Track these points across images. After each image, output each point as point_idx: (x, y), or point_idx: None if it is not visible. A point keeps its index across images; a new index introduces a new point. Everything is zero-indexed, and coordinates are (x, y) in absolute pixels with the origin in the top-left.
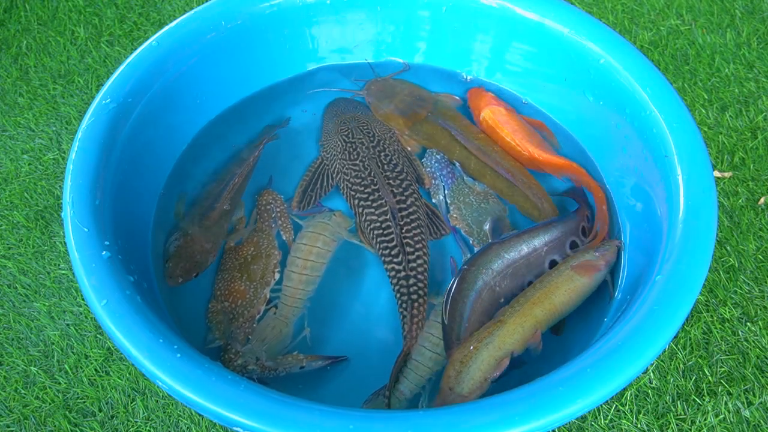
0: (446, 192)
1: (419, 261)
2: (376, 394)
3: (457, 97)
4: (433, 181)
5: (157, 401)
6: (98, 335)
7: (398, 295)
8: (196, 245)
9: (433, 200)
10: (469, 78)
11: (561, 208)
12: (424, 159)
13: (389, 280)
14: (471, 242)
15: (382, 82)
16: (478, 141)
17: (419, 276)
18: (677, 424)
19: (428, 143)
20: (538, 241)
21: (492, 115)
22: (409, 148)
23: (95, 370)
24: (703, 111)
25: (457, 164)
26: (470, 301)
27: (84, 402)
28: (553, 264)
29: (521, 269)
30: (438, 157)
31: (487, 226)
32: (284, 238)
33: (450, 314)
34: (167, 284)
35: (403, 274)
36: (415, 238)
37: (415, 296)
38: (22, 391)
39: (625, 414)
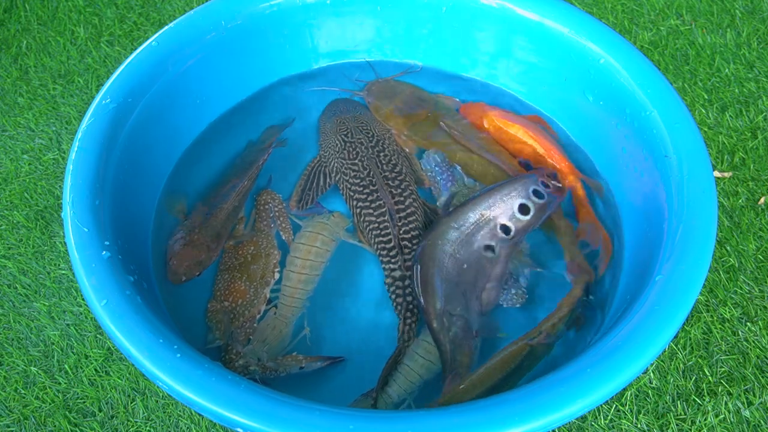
0: (447, 194)
1: None
2: (364, 395)
3: (458, 99)
4: (435, 184)
5: (157, 401)
6: (98, 335)
7: (393, 296)
8: (201, 244)
9: (437, 203)
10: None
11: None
12: (423, 161)
13: (385, 280)
14: None
15: (382, 82)
16: (479, 141)
17: None
18: (677, 424)
19: (428, 144)
20: (483, 206)
21: (498, 116)
22: (407, 149)
23: (95, 370)
24: (703, 111)
25: (458, 167)
26: (437, 272)
27: (84, 402)
28: (503, 227)
29: (474, 235)
30: (437, 159)
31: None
32: (284, 238)
33: (423, 290)
34: (169, 282)
35: (399, 274)
36: (413, 240)
37: (410, 297)
38: (22, 391)
39: (625, 414)
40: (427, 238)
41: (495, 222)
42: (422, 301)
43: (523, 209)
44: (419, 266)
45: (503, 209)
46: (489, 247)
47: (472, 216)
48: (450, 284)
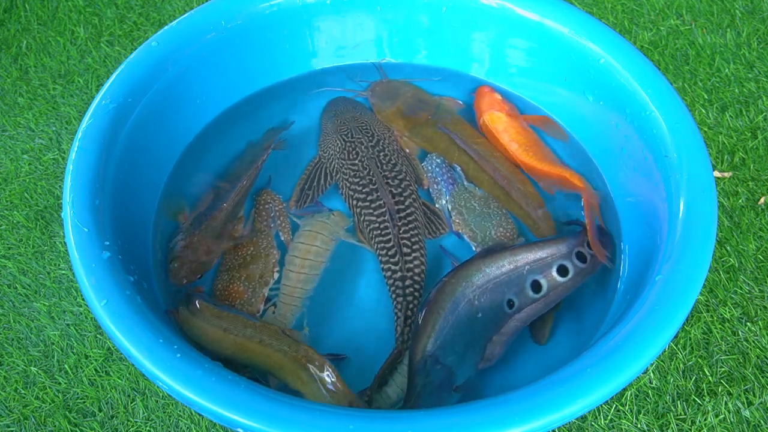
0: (447, 197)
1: (416, 262)
2: (360, 394)
3: (460, 101)
4: (435, 186)
5: (157, 401)
6: (98, 335)
7: (393, 296)
8: (202, 246)
9: (436, 205)
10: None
11: (557, 220)
12: (425, 163)
13: (386, 280)
14: (474, 248)
15: (386, 83)
16: (477, 146)
17: (415, 277)
18: (677, 424)
19: (428, 146)
20: (521, 259)
21: (491, 121)
22: (407, 150)
23: (95, 370)
24: (703, 111)
25: (458, 168)
26: (446, 313)
27: (84, 402)
28: (534, 284)
29: (501, 286)
30: (438, 161)
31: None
32: (282, 238)
33: (422, 326)
34: (171, 284)
35: (399, 275)
36: (413, 239)
37: (410, 297)
38: (22, 391)
39: (625, 414)
40: (451, 275)
41: (527, 277)
42: (415, 336)
43: (562, 270)
44: (431, 300)
45: (540, 266)
46: (510, 303)
47: (506, 265)
48: (455, 331)
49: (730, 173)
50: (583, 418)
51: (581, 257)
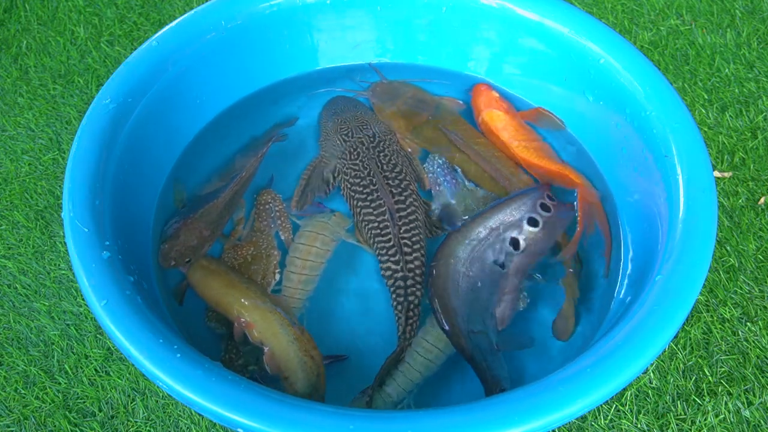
0: (445, 198)
1: (417, 262)
2: (362, 393)
3: (461, 102)
4: (436, 187)
5: (157, 401)
6: (98, 335)
7: (394, 296)
8: (194, 230)
9: (434, 206)
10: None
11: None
12: (426, 163)
13: (386, 280)
14: None
15: (386, 84)
16: (478, 146)
17: (416, 278)
18: (677, 424)
19: (429, 147)
20: (494, 221)
21: (490, 119)
22: (409, 150)
23: (95, 370)
24: (703, 111)
25: (459, 169)
26: (453, 293)
27: (84, 402)
28: (513, 241)
29: (485, 251)
30: (440, 161)
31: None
32: (283, 238)
33: (445, 315)
34: (160, 266)
35: (400, 274)
36: (413, 239)
37: (411, 297)
38: (22, 391)
39: (625, 414)
40: (437, 258)
41: (504, 236)
42: (446, 326)
43: (532, 222)
44: (434, 289)
45: (512, 223)
46: (499, 263)
47: (482, 231)
48: (466, 303)
49: (730, 173)
50: (583, 418)
51: (545, 207)
